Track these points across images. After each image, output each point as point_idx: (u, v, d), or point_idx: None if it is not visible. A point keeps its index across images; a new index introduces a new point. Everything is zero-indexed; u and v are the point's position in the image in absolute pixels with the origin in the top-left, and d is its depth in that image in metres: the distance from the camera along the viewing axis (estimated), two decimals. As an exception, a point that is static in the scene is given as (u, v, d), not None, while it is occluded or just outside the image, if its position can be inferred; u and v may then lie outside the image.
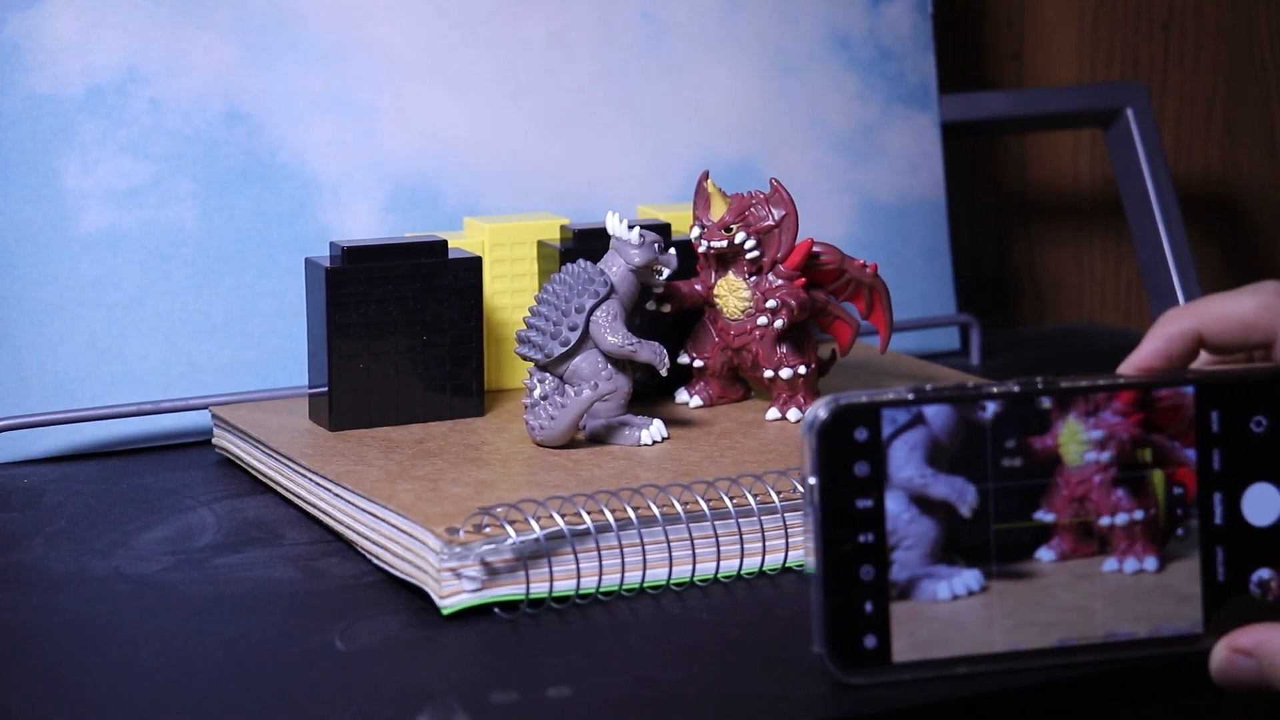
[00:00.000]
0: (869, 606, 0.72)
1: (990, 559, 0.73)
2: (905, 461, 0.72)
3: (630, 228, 1.00)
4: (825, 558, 0.72)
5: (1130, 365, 0.76)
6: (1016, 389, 0.73)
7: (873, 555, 0.72)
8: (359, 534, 0.91)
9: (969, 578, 0.73)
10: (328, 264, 1.01)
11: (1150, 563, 0.75)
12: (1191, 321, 0.75)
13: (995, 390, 0.73)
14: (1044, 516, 0.74)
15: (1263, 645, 0.74)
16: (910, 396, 0.72)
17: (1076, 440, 0.73)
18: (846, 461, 0.72)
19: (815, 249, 1.04)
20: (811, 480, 0.72)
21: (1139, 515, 0.74)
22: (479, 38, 1.16)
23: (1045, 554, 0.74)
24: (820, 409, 0.72)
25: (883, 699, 0.74)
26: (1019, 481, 0.73)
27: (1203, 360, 0.77)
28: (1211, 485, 0.75)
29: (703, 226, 1.03)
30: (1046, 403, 0.73)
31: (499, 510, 0.85)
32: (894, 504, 0.72)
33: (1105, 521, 0.74)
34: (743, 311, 1.03)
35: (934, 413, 0.72)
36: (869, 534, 0.72)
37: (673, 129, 1.21)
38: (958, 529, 0.73)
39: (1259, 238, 1.53)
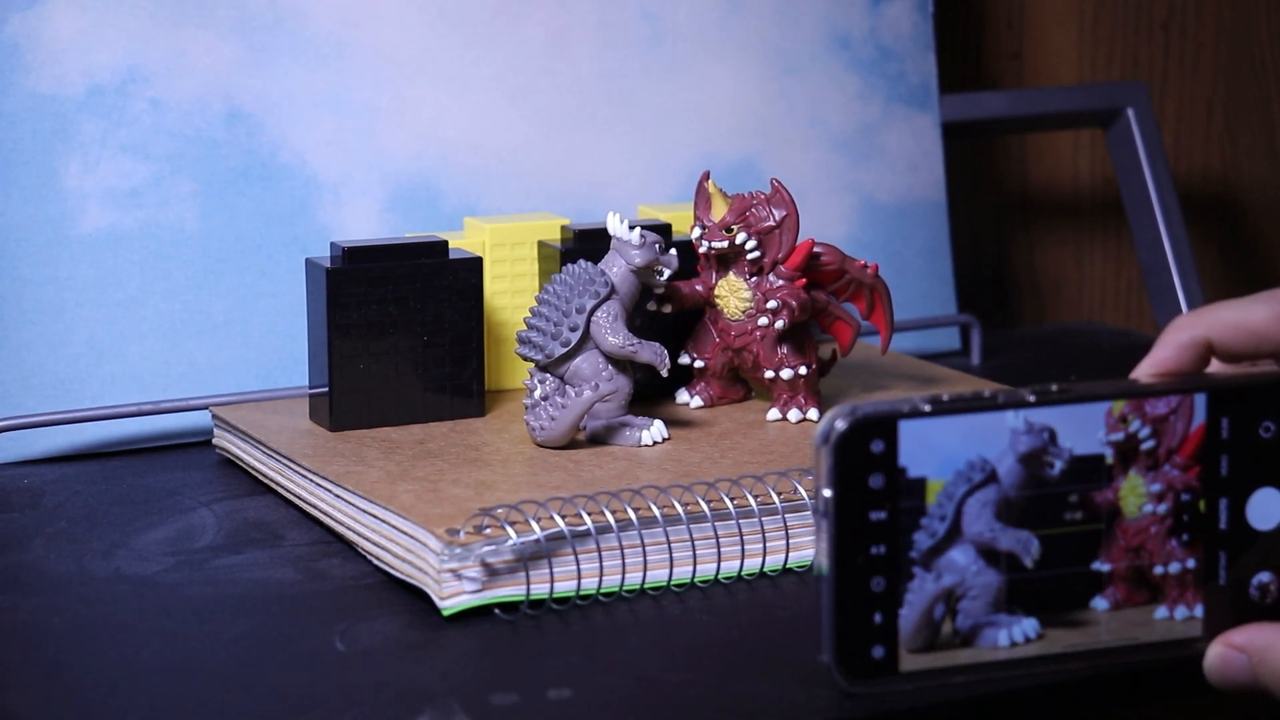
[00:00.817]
0: (878, 618, 0.72)
1: (1048, 607, 0.74)
2: (977, 517, 0.73)
3: (631, 228, 1.00)
4: (837, 570, 0.72)
5: (1140, 374, 0.76)
6: (1032, 398, 0.73)
7: (884, 567, 0.72)
8: (359, 535, 0.91)
9: (1027, 626, 0.74)
10: (328, 264, 1.01)
11: (1199, 610, 0.75)
12: (1202, 330, 0.75)
13: (1011, 399, 0.73)
14: (1101, 566, 0.74)
15: (1254, 642, 0.74)
16: (927, 408, 0.72)
17: (1136, 494, 0.74)
18: (862, 474, 0.72)
19: (816, 249, 1.04)
20: (826, 493, 0.71)
21: (1191, 564, 0.75)
22: (479, 38, 1.16)
23: (1100, 603, 0.75)
24: (838, 421, 0.71)
25: (883, 701, 0.74)
26: (1080, 533, 0.74)
27: (1212, 366, 0.77)
28: (1218, 491, 0.75)
29: (703, 227, 1.03)
30: (1110, 457, 0.73)
31: (499, 511, 0.85)
32: (962, 556, 0.73)
33: (1159, 570, 0.75)
34: (743, 312, 1.03)
35: (1006, 470, 0.73)
36: (881, 546, 0.72)
37: (673, 129, 1.21)
38: (1020, 579, 0.73)
39: (1259, 238, 1.53)
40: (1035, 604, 0.74)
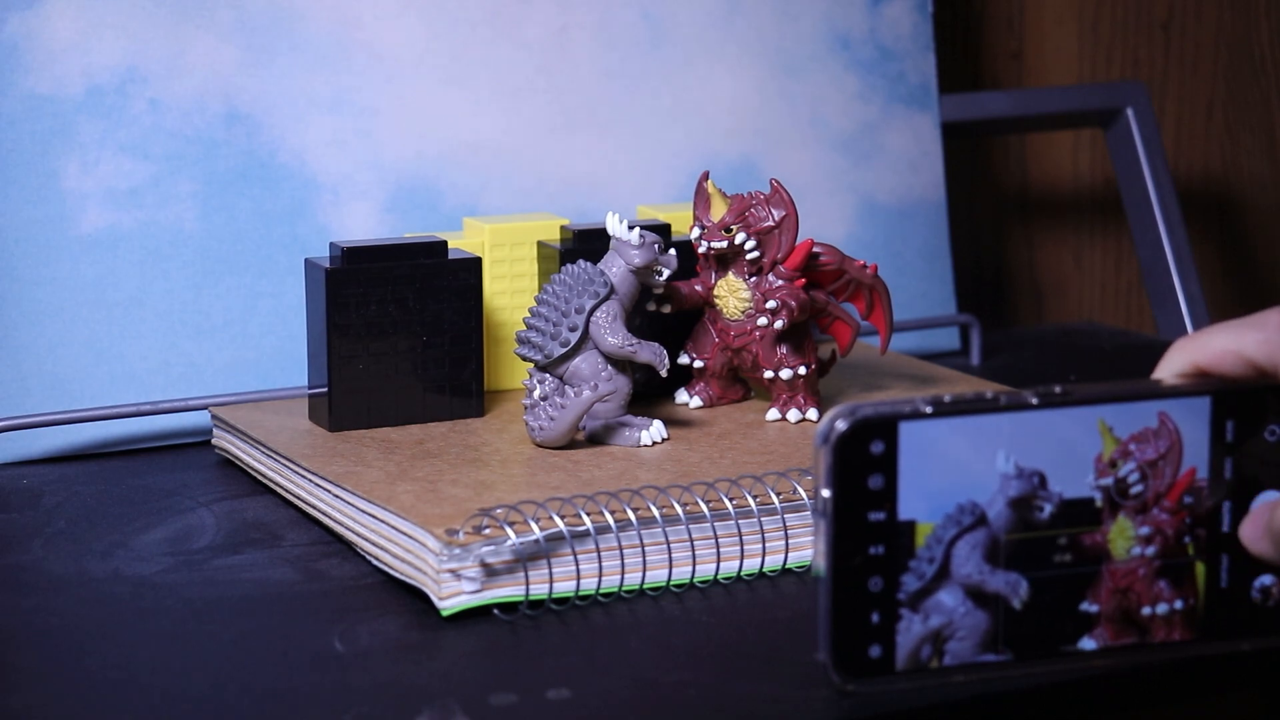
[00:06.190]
0: (875, 617, 0.72)
1: (1035, 647, 0.74)
2: (966, 559, 0.73)
3: (630, 228, 1.00)
4: (835, 570, 0.72)
5: None
6: (1034, 400, 0.73)
7: (882, 567, 0.72)
8: (358, 535, 0.91)
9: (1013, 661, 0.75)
10: (327, 264, 1.01)
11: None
12: (1192, 361, 0.74)
13: (1013, 400, 0.73)
14: (1089, 608, 0.74)
15: None
16: (928, 410, 0.72)
17: (1125, 536, 0.74)
18: (861, 475, 0.72)
19: (815, 250, 1.04)
20: (825, 493, 0.71)
21: (1179, 605, 0.75)
22: (479, 38, 1.16)
23: (1088, 643, 0.75)
24: (838, 421, 0.71)
25: (882, 702, 0.74)
26: (1068, 575, 0.74)
27: None
28: (1222, 494, 0.75)
29: (703, 227, 1.03)
30: (1099, 501, 0.73)
31: (498, 511, 0.85)
32: (950, 598, 0.73)
33: (1146, 611, 0.75)
34: (743, 312, 1.03)
35: (996, 514, 0.73)
36: (879, 546, 0.72)
37: (673, 129, 1.21)
38: (1008, 619, 0.74)
39: (1259, 238, 1.53)
40: (1023, 644, 0.74)
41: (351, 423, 1.02)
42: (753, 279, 1.03)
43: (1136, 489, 0.74)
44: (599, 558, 0.86)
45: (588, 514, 0.86)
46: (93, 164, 1.08)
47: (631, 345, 0.98)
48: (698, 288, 1.04)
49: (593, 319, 0.98)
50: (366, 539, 0.90)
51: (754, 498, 0.89)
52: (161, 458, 1.07)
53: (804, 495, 0.90)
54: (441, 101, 1.15)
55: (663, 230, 1.07)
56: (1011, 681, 0.75)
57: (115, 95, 1.09)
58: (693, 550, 0.88)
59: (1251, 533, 0.75)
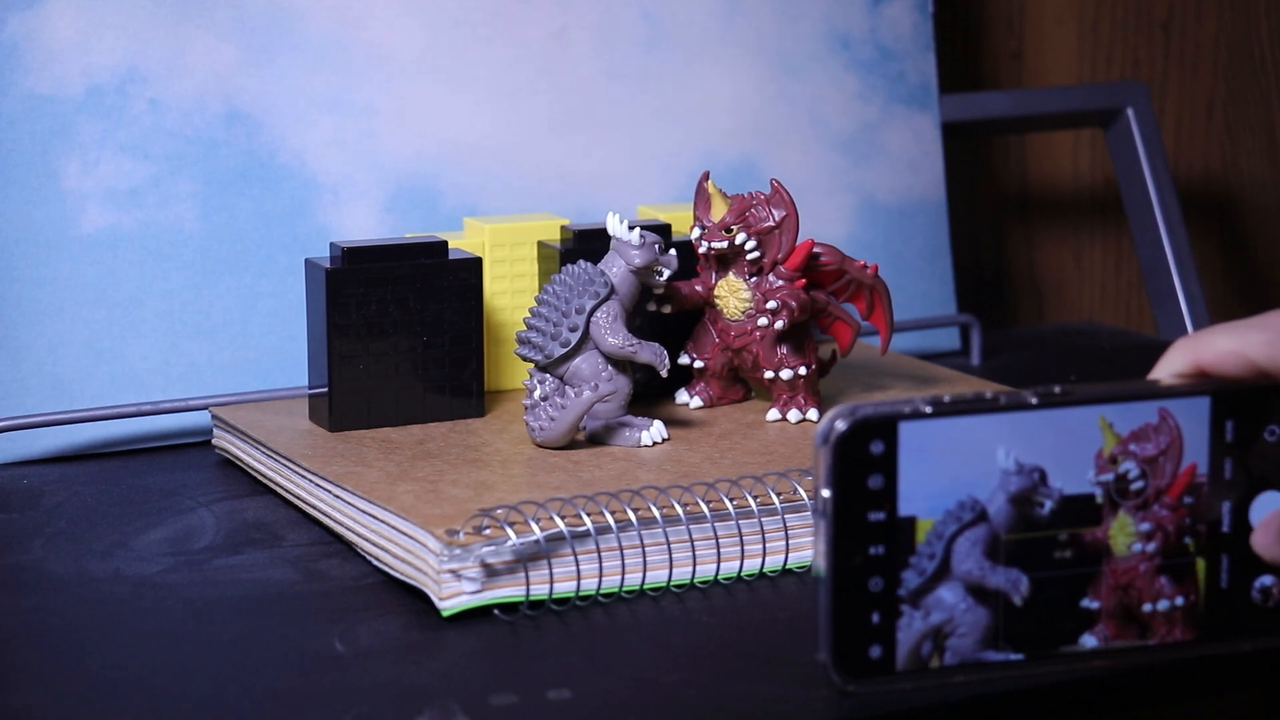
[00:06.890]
0: (876, 617, 0.72)
1: (1036, 644, 0.74)
2: (966, 555, 0.73)
3: (631, 228, 0.99)
4: (835, 570, 0.72)
5: None
6: (1034, 400, 0.73)
7: (882, 567, 0.72)
8: (359, 535, 0.91)
9: (1014, 660, 0.74)
10: (328, 264, 1.01)
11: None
12: (1194, 360, 0.74)
13: (1012, 400, 0.73)
14: (1090, 604, 0.74)
15: None
16: (928, 409, 0.72)
17: (1125, 533, 0.74)
18: (861, 474, 0.72)
19: (815, 250, 1.04)
20: (825, 493, 0.71)
21: (1180, 601, 0.75)
22: (479, 38, 1.16)
23: (1089, 640, 0.75)
24: (838, 421, 0.71)
25: (882, 702, 0.74)
26: (1069, 571, 0.74)
27: None
28: (1222, 494, 0.75)
29: (703, 227, 1.03)
30: (1100, 497, 0.73)
31: (499, 512, 0.85)
32: (951, 594, 0.73)
33: (1147, 608, 0.75)
34: (743, 312, 1.03)
35: (996, 510, 0.73)
36: (880, 546, 0.72)
37: (673, 129, 1.21)
38: (1009, 616, 0.74)
39: (1259, 238, 1.53)
40: (1024, 641, 0.74)
41: (352, 423, 1.02)
42: (753, 279, 1.03)
43: (1137, 485, 0.74)
44: (599, 558, 0.86)
45: (588, 514, 0.86)
46: (93, 164, 1.08)
47: (632, 345, 0.98)
48: (698, 288, 1.04)
49: (593, 319, 0.98)
50: (367, 539, 0.90)
51: (754, 498, 0.89)
52: (161, 458, 1.07)
53: (804, 495, 0.90)
54: (441, 101, 1.15)
55: (663, 230, 1.07)
56: (1011, 681, 0.75)
57: (115, 95, 1.09)
58: (693, 551, 0.88)
59: (1264, 540, 0.75)
